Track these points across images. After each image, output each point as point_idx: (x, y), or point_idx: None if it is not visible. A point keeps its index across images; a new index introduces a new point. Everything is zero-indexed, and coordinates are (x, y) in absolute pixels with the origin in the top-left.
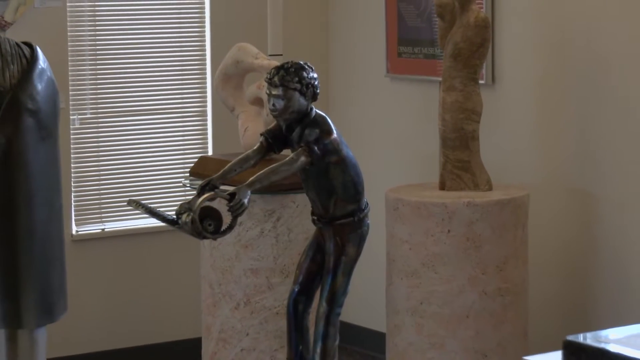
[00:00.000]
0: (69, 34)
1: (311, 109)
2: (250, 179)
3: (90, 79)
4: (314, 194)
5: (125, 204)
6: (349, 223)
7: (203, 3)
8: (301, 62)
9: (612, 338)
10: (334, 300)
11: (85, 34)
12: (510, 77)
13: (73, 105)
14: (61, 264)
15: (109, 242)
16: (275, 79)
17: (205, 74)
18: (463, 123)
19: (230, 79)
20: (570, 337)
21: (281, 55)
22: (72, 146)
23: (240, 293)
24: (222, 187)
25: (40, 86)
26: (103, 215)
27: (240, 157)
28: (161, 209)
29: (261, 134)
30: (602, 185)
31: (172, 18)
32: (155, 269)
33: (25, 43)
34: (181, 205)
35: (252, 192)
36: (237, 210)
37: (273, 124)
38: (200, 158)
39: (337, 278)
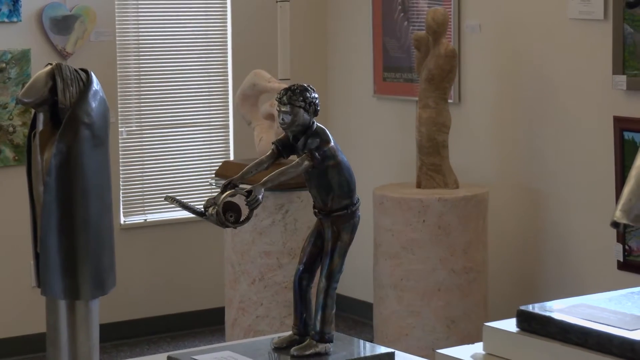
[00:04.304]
0: (117, 62)
1: (313, 122)
2: (264, 179)
3: (135, 99)
4: (315, 192)
5: (163, 199)
6: (343, 215)
7: (226, 36)
8: (305, 85)
9: (555, 308)
10: (332, 277)
11: (130, 62)
12: (473, 97)
13: (121, 119)
14: (111, 247)
15: (150, 230)
16: (284, 98)
17: (227, 94)
18: (435, 134)
19: (248, 98)
20: (522, 307)
21: (289, 79)
22: (120, 153)
23: (255, 271)
24: (241, 186)
25: (94, 104)
26: (145, 208)
27: (255, 161)
28: (192, 203)
29: (273, 143)
30: (548, 184)
31: (200, 48)
32: (187, 252)
33: (82, 69)
34: (208, 200)
35: (265, 190)
36: (253, 204)
37: (282, 134)
38: (224, 162)
39: (334, 259)
